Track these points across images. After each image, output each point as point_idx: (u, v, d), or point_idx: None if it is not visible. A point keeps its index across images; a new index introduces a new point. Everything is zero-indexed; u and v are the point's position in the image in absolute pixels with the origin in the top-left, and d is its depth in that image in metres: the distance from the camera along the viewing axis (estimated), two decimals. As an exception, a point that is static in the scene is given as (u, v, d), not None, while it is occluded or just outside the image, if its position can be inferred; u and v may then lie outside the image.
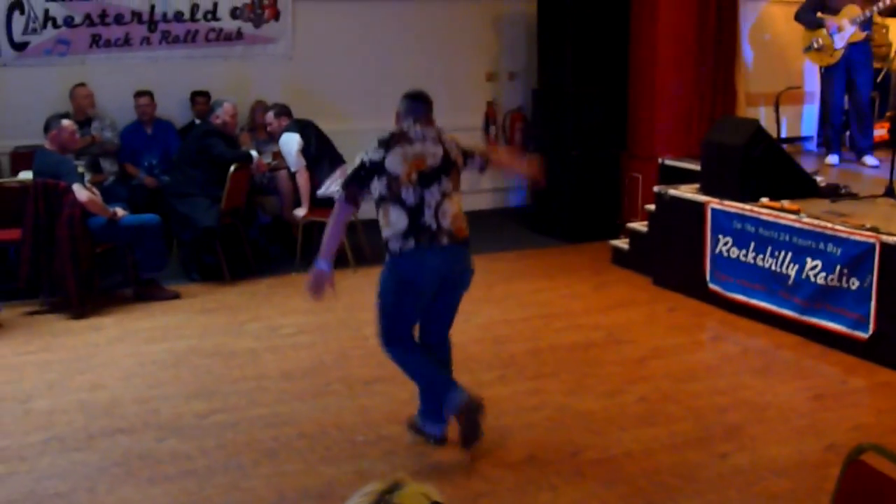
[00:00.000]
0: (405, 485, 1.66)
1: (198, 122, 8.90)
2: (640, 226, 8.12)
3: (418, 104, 4.59)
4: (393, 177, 4.40)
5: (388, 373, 5.69)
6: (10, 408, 5.26)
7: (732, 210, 6.75)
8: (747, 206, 6.65)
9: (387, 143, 4.46)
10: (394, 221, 4.40)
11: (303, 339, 6.42)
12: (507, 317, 6.83)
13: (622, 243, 8.30)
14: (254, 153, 8.11)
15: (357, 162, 4.52)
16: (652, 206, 7.83)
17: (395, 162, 4.40)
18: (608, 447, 4.71)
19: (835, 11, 8.17)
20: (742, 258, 6.68)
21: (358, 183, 4.48)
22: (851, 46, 8.14)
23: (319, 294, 4.54)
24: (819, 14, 8.24)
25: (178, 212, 7.73)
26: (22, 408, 5.26)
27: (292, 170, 8.12)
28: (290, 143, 8.02)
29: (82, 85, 8.56)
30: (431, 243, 4.41)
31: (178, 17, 9.19)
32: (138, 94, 8.81)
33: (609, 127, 9.26)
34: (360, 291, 7.50)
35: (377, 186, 4.44)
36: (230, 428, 4.94)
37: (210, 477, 4.41)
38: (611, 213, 9.29)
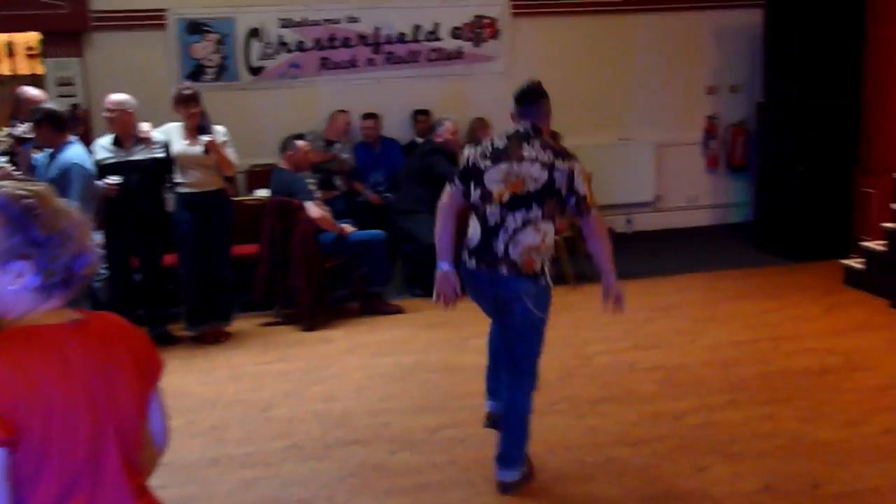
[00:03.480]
0: None
1: (419, 140, 9.13)
2: (876, 245, 7.69)
3: (530, 107, 4.45)
4: (487, 191, 4.33)
5: (613, 393, 5.68)
6: (254, 415, 5.55)
7: (985, 229, 6.29)
8: None
9: (497, 155, 4.35)
10: (471, 235, 4.43)
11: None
12: (735, 338, 6.61)
13: (856, 263, 7.88)
14: (475, 170, 8.22)
15: (468, 157, 4.48)
16: (890, 224, 7.40)
17: (494, 178, 4.31)
18: (851, 481, 4.47)
19: None
20: None
21: (462, 179, 4.43)
22: None
23: (450, 297, 4.43)
24: None
25: (403, 228, 7.95)
26: (263, 415, 5.54)
27: None
28: None
29: (345, 112, 9.04)
30: (489, 267, 4.33)
31: (402, 38, 9.48)
32: (364, 117, 9.13)
33: (839, 140, 8.83)
34: (581, 309, 7.49)
35: (473, 192, 4.40)
36: (460, 443, 5.01)
37: (443, 492, 4.49)
38: (841, 231, 8.85)
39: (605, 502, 4.34)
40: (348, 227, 7.49)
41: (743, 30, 10.07)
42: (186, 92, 6.77)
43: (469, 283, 4.50)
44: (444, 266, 4.45)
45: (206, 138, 6.68)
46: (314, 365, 6.44)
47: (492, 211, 4.32)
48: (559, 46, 9.84)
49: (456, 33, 9.61)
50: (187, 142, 6.76)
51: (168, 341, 6.99)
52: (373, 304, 7.61)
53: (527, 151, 4.32)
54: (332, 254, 7.49)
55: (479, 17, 9.65)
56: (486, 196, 4.33)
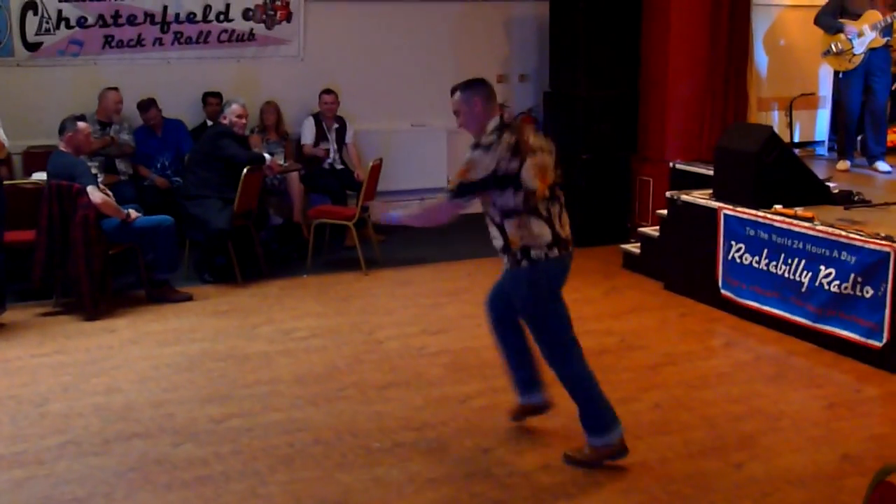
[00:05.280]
0: None
1: (209, 123, 8.92)
2: (651, 230, 8.13)
3: (488, 89, 4.44)
4: (530, 191, 4.29)
5: (401, 378, 5.75)
6: (26, 410, 5.27)
7: (745, 216, 6.75)
8: (760, 213, 6.65)
9: (517, 151, 4.28)
10: (538, 233, 4.35)
11: (315, 342, 6.43)
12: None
13: (633, 248, 8.30)
14: (266, 155, 8.13)
15: (490, 165, 4.25)
16: (664, 211, 7.83)
17: (529, 176, 4.28)
18: (623, 456, 4.71)
19: (855, 16, 8.20)
20: (755, 265, 6.68)
21: (483, 188, 4.31)
22: (871, 52, 8.19)
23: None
24: (839, 19, 8.25)
25: (191, 213, 7.75)
26: (38, 411, 5.27)
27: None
28: None
29: (115, 89, 8.60)
30: (567, 252, 4.49)
31: (191, 18, 9.20)
32: (144, 107, 8.79)
33: (620, 130, 9.26)
34: (372, 295, 7.55)
35: (508, 197, 4.29)
36: (245, 433, 4.95)
37: (227, 483, 4.42)
38: (621, 217, 9.30)
39: (390, 487, 4.39)
40: (133, 213, 7.23)
41: (531, 20, 10.37)
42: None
43: (559, 275, 4.52)
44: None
45: None
46: (95, 356, 6.19)
47: (542, 205, 4.34)
48: (352, 32, 9.84)
49: (248, 15, 9.42)
50: (-47, 121, 6.34)
51: (-67, 334, 6.57)
52: (160, 292, 7.38)
53: (532, 140, 4.38)
54: (116, 240, 7.21)
55: (272, -1, 9.51)
56: (531, 195, 4.30)
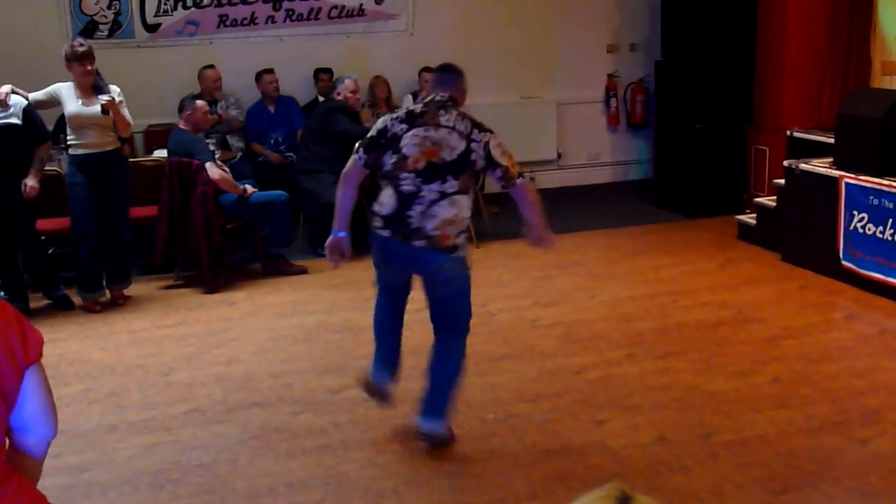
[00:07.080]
0: (635, 498, 1.55)
1: (321, 98, 9.03)
2: (767, 200, 7.93)
3: (450, 77, 4.46)
4: (402, 156, 4.25)
5: (514, 350, 5.76)
6: (153, 379, 5.48)
7: (869, 185, 6.52)
8: (885, 181, 6.42)
9: (412, 118, 4.30)
10: (384, 202, 4.31)
11: (427, 315, 6.43)
12: (633, 294, 6.76)
13: (749, 218, 8.11)
14: (377, 129, 8.19)
15: (380, 125, 4.37)
16: (781, 181, 7.63)
17: (410, 143, 4.25)
18: (741, 429, 4.63)
19: None
20: (878, 235, 6.45)
21: (379, 149, 4.33)
22: None
23: (338, 261, 4.63)
24: None
25: (304, 188, 7.89)
26: (163, 380, 5.47)
27: None
28: None
29: (211, 67, 8.76)
30: (405, 240, 4.27)
31: (302, -6, 9.33)
32: (263, 73, 8.96)
33: (734, 99, 9.04)
34: (483, 268, 7.52)
35: (388, 159, 4.30)
36: (362, 404, 5.03)
37: (345, 451, 4.52)
38: (736, 188, 9.09)
39: (506, 458, 4.42)
40: (249, 188, 7.40)
41: (642, -11, 10.20)
42: (81, 49, 6.53)
43: (380, 251, 4.46)
44: (339, 234, 4.53)
45: (105, 98, 6.49)
46: (216, 328, 6.38)
47: (405, 177, 4.23)
48: (461, 5, 9.82)
49: (357, -10, 9.50)
50: (81, 101, 6.56)
51: (67, 306, 6.84)
52: (275, 265, 7.55)
53: (444, 119, 4.28)
54: (234, 215, 7.40)
55: (381, -26, 9.55)
56: (401, 161, 4.24)
